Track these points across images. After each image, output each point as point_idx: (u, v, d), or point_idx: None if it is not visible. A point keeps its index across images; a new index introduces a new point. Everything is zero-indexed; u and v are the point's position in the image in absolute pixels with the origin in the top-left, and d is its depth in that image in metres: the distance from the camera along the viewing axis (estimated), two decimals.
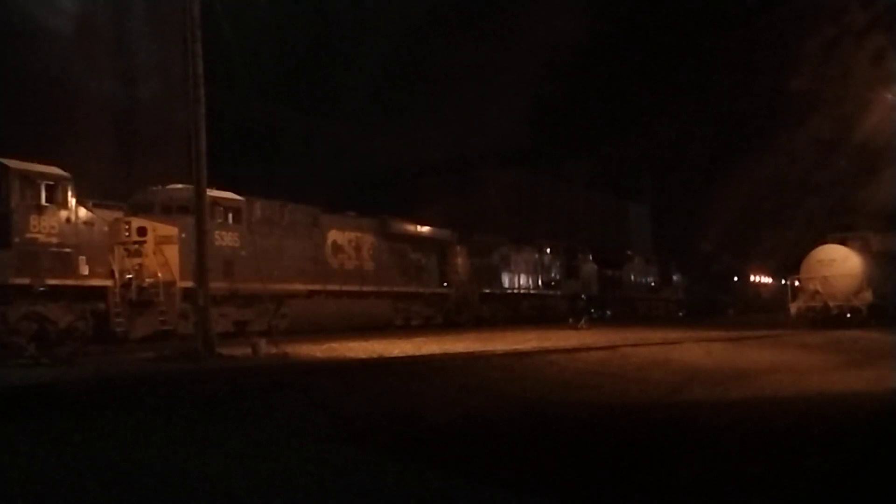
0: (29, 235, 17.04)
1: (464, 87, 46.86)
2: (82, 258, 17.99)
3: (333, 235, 25.38)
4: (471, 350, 17.65)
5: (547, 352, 17.57)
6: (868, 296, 30.21)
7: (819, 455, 7.63)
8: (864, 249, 31.68)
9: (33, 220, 17.11)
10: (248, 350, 15.99)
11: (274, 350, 16.07)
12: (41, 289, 17.17)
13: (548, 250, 37.75)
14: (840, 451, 7.89)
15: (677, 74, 48.69)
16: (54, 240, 17.52)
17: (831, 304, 30.38)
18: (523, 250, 35.90)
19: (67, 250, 17.72)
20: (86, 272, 18.10)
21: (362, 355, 16.21)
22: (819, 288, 30.85)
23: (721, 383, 14.05)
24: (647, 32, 48.54)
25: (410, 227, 29.30)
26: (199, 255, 16.51)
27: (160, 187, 21.28)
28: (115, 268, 18.85)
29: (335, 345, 18.39)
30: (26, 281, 16.82)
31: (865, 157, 31.12)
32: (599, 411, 11.25)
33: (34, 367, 13.64)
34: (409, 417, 10.06)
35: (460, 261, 31.32)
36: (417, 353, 16.66)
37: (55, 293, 17.48)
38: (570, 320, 29.53)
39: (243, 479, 6.92)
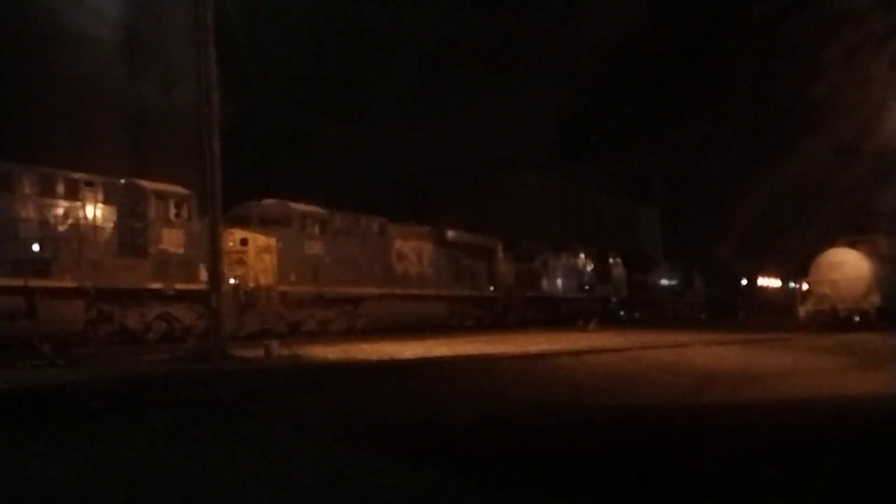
0: (161, 246, 19.74)
1: (479, 92, 47.09)
2: (202, 265, 20.13)
3: (398, 244, 27.93)
4: (481, 352, 17.58)
5: (556, 354, 17.49)
6: (876, 299, 30.02)
7: (834, 457, 7.55)
8: (873, 253, 31.48)
9: (165, 232, 19.86)
10: (260, 352, 15.99)
11: (286, 352, 16.10)
12: (171, 292, 19.79)
13: (582, 256, 40.15)
14: (855, 452, 7.81)
15: (694, 79, 48.58)
16: (181, 250, 20.29)
17: (840, 307, 30.27)
18: (561, 256, 38.38)
19: (190, 259, 20.28)
20: (205, 277, 20.11)
21: (374, 357, 16.18)
22: (828, 291, 30.75)
23: (732, 386, 13.94)
24: (666, 37, 48.42)
25: (463, 236, 31.78)
26: (211, 256, 16.62)
27: (256, 202, 24.12)
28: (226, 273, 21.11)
29: (347, 347, 18.45)
30: (159, 286, 19.43)
31: (882, 162, 30.91)
32: (612, 414, 11.16)
33: (49, 368, 13.63)
34: (420, 420, 9.99)
35: (506, 266, 33.72)
36: (428, 356, 16.61)
37: (181, 296, 20.07)
38: (580, 322, 29.75)
39: (257, 479, 6.87)
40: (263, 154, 33.09)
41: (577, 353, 17.79)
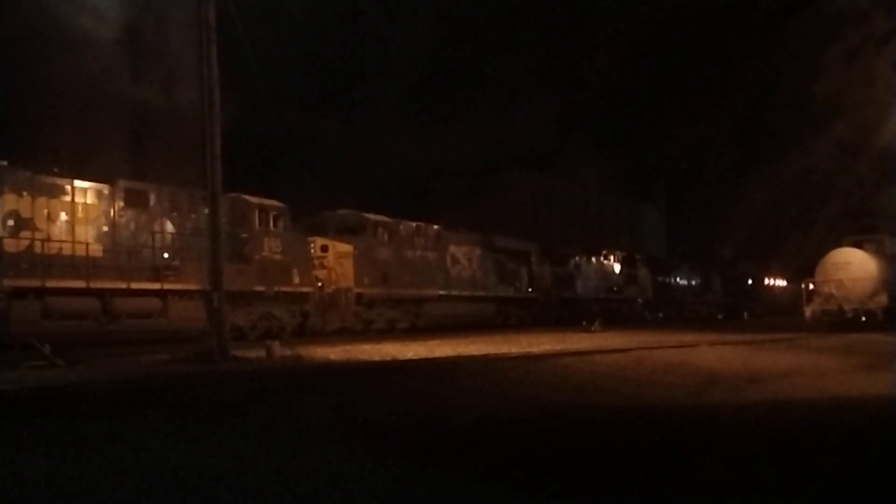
0: (264, 254, 22.58)
1: (481, 91, 47.19)
2: (295, 270, 23.40)
3: (452, 249, 30.86)
4: (483, 353, 17.63)
5: (560, 355, 17.54)
6: (883, 299, 30.18)
7: (838, 458, 7.59)
8: (879, 252, 31.61)
9: (266, 241, 22.61)
10: (262, 352, 16.06)
11: (288, 352, 16.18)
12: (271, 294, 22.46)
13: (611, 259, 43.03)
14: (858, 454, 7.85)
15: (697, 79, 48.62)
16: (278, 256, 23.13)
17: (846, 307, 30.38)
18: (592, 259, 41.35)
19: (286, 264, 23.09)
20: (297, 280, 23.52)
21: (376, 358, 16.24)
22: (834, 291, 30.85)
23: (737, 387, 13.99)
24: (669, 36, 48.45)
25: (507, 241, 34.84)
26: (213, 257, 16.74)
27: (332, 212, 27.35)
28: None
29: (349, 347, 18.54)
30: (262, 288, 22.12)
31: (886, 161, 30.92)
32: (615, 414, 11.21)
33: (49, 368, 13.69)
34: (422, 420, 10.04)
35: (543, 269, 36.62)
36: (430, 356, 16.67)
37: (278, 297, 22.76)
38: (584, 323, 29.84)
39: (257, 479, 6.92)
40: (262, 154, 33.18)
41: (581, 354, 17.84)
